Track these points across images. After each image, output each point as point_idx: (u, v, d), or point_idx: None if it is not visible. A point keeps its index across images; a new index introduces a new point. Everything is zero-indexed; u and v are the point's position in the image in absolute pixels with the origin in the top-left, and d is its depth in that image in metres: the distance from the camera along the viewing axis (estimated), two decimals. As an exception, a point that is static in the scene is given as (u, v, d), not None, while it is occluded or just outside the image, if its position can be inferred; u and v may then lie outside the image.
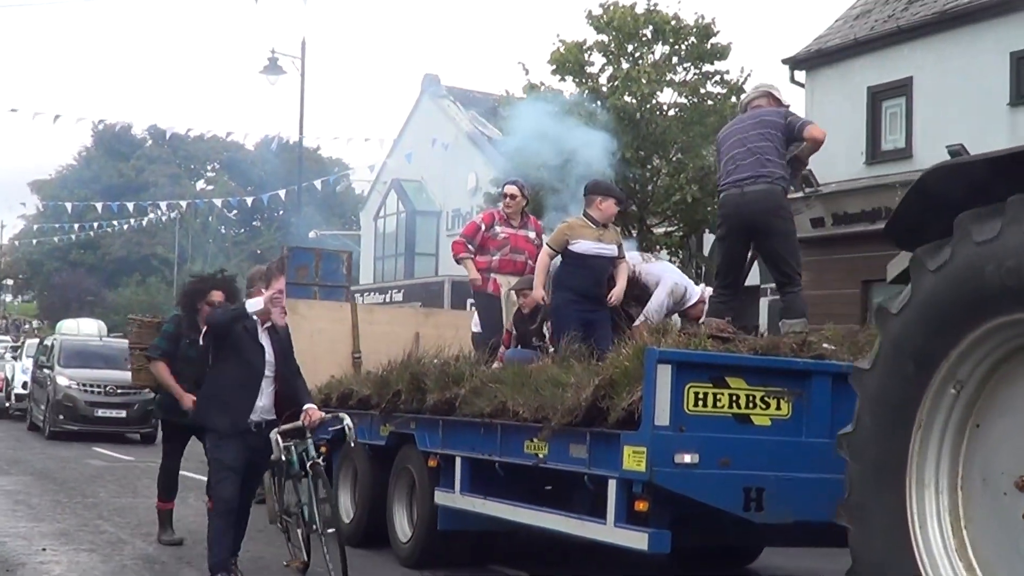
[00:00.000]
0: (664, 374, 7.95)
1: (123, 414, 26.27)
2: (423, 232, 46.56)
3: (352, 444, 10.65)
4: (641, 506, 8.09)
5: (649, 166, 26.45)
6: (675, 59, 26.60)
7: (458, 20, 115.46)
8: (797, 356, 8.58)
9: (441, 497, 10.57)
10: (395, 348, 13.40)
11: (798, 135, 10.06)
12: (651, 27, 26.30)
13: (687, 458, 7.99)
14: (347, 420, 10.35)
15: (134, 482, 18.23)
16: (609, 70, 26.63)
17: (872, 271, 19.48)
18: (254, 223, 72.25)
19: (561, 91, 26.27)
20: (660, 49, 26.60)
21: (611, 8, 26.46)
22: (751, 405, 8.25)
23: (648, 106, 25.96)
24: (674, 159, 26.14)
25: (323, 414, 10.07)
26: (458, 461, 10.31)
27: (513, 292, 12.06)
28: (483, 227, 12.38)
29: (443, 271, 42.07)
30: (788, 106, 10.44)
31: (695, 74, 26.67)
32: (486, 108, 42.92)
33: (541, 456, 9.21)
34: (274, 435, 9.59)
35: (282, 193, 39.38)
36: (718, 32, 26.63)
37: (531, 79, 27.44)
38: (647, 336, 8.51)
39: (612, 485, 8.30)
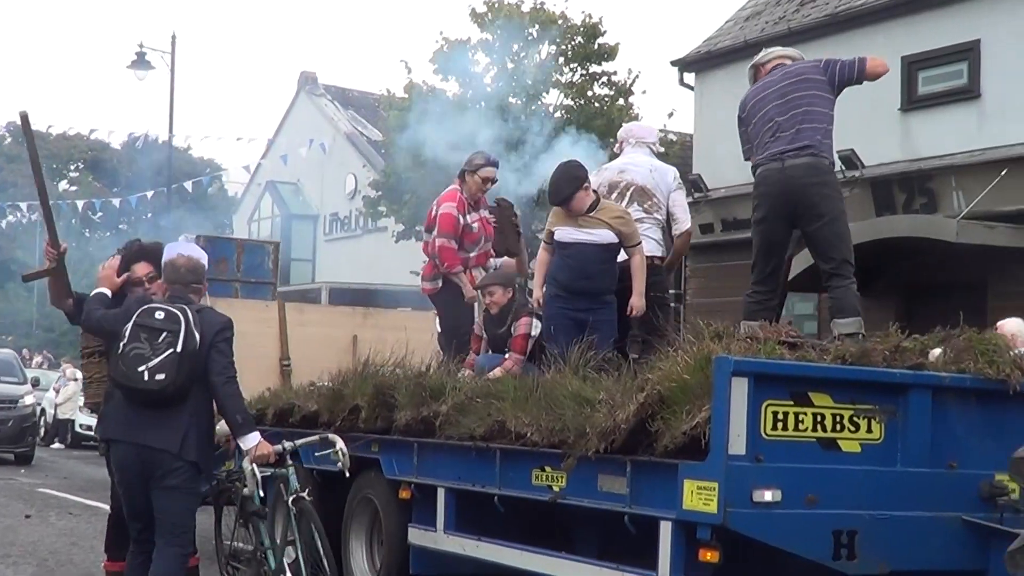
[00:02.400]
0: (740, 390, 6.10)
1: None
2: (299, 236, 44.20)
3: (347, 475, 8.56)
4: (709, 556, 6.20)
5: None
6: (561, 60, 26.03)
7: (337, 16, 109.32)
8: (890, 366, 6.76)
9: (417, 536, 8.61)
10: (330, 354, 11.67)
11: (855, 79, 8.38)
12: (537, 26, 25.53)
13: (767, 495, 6.15)
14: (340, 443, 8.27)
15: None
16: (493, 70, 25.64)
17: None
18: (120, 226, 69.13)
19: (444, 90, 25.88)
20: (546, 49, 25.96)
21: (495, 6, 25.79)
22: (838, 427, 6.42)
23: (533, 108, 25.02)
24: None
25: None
26: (441, 493, 8.34)
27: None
28: (460, 219, 10.45)
29: (320, 277, 39.83)
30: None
31: (582, 75, 26.21)
32: (366, 108, 42.04)
33: (557, 490, 7.31)
34: (249, 464, 7.60)
35: (150, 194, 37.40)
36: (605, 32, 26.14)
37: (413, 78, 26.88)
38: (710, 342, 6.61)
39: (666, 529, 6.41)
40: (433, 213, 10.59)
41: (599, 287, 8.98)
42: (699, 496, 6.16)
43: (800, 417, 6.32)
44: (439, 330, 11.09)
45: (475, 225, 10.49)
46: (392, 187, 27.18)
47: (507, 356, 9.34)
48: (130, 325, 7.17)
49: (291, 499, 7.97)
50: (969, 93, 19.49)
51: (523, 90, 24.85)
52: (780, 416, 6.26)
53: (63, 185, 69.62)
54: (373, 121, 39.89)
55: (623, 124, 9.69)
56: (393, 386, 8.92)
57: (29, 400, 24.05)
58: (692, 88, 24.94)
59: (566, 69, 26.13)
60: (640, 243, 9.13)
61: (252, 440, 7.46)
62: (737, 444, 6.07)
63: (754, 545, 6.28)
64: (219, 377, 7.27)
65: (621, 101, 26.21)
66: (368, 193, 29.80)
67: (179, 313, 7.20)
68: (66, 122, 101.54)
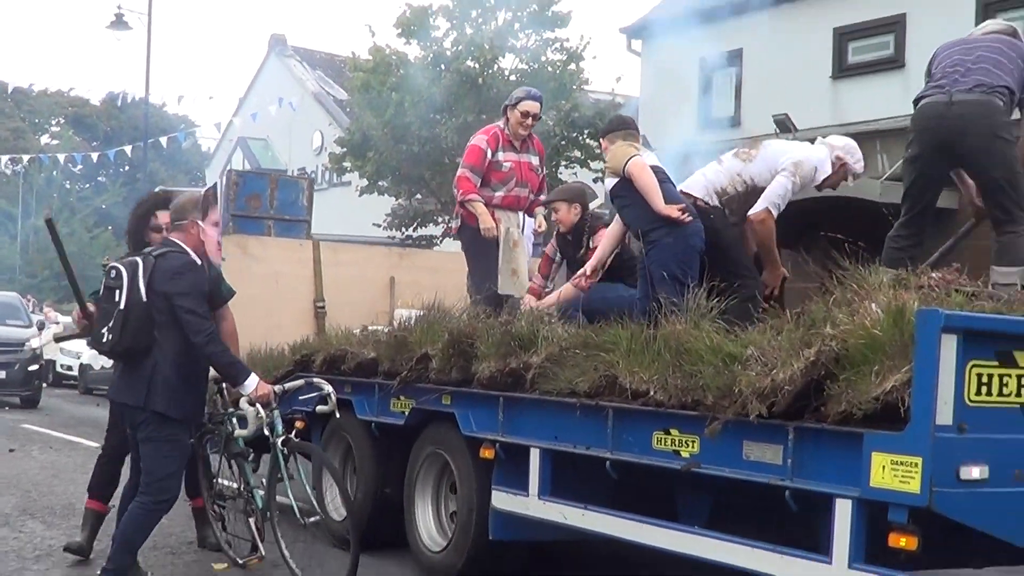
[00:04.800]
0: (948, 349, 4.99)
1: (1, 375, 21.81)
2: None
3: (337, 415, 8.19)
4: (904, 542, 5.10)
5: None
6: (517, 26, 26.85)
7: None
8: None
9: (503, 501, 7.48)
10: (365, 296, 11.08)
11: None
12: None
13: (975, 472, 5.04)
14: (327, 387, 7.87)
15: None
16: (453, 35, 26.73)
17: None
18: (99, 179, 68.45)
19: (406, 54, 27.32)
20: (503, 16, 26.75)
21: None
22: (1039, 391, 5.34)
23: (490, 71, 26.12)
24: None
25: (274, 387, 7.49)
26: (535, 455, 7.19)
27: (513, 230, 9.29)
28: (489, 153, 9.29)
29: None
30: None
31: (536, 41, 27.06)
32: (332, 69, 43.65)
33: (687, 456, 6.19)
34: (248, 405, 7.33)
35: (128, 149, 37.13)
36: (559, 1, 26.90)
37: (377, 41, 27.78)
38: (900, 291, 5.48)
39: (844, 508, 5.30)
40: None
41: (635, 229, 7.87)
42: (894, 472, 5.06)
43: (1005, 380, 5.21)
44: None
45: (507, 164, 9.34)
46: (356, 144, 27.89)
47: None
48: (102, 288, 7.16)
49: (280, 440, 7.48)
50: (895, 63, 20.36)
51: (481, 54, 25.66)
52: (984, 379, 5.15)
53: (45, 139, 70.37)
54: (339, 81, 40.52)
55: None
56: (472, 334, 7.76)
57: (35, 343, 22.69)
58: (639, 54, 25.81)
59: (521, 35, 26.99)
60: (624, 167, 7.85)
61: (251, 384, 7.20)
62: (944, 413, 4.97)
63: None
64: (198, 338, 6.92)
65: (572, 66, 27.04)
66: (334, 149, 30.28)
67: (124, 268, 7.00)
68: (48, 80, 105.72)
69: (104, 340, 7.02)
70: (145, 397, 6.95)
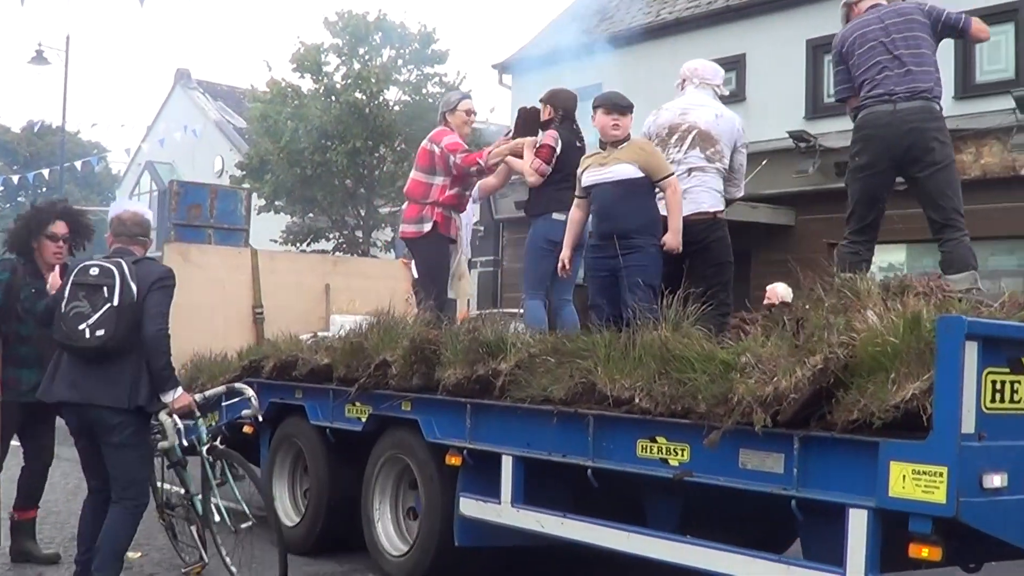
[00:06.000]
0: (971, 356, 4.78)
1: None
2: None
3: (259, 419, 8.25)
4: (927, 552, 4.87)
5: (377, 154, 29.03)
6: (400, 62, 29.52)
7: (208, 20, 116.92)
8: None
9: (472, 508, 7.15)
10: (302, 302, 10.89)
11: (957, 33, 7.15)
12: (380, 33, 29.11)
13: (996, 480, 4.83)
14: (249, 391, 7.70)
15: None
16: (343, 70, 29.05)
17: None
18: (19, 199, 69.18)
19: (300, 87, 29.43)
20: (387, 53, 29.38)
21: (345, 15, 29.05)
22: (1044, 396, 5.15)
23: (377, 102, 28.36)
24: (399, 148, 28.80)
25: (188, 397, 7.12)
26: (507, 462, 6.85)
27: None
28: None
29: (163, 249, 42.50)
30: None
31: (418, 75, 29.66)
32: (232, 100, 46.03)
33: (676, 464, 5.91)
34: (167, 417, 7.04)
35: (46, 172, 38.26)
36: (438, 40, 29.71)
37: (274, 75, 30.35)
38: (909, 298, 5.25)
39: (859, 519, 5.04)
40: (429, 148, 9.03)
41: (623, 228, 7.63)
42: (916, 482, 4.82)
43: (1015, 387, 5.01)
44: (415, 275, 9.67)
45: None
46: (255, 168, 29.88)
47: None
48: (68, 285, 6.76)
49: (205, 449, 7.38)
50: (737, 97, 21.54)
51: (368, 86, 28.01)
52: (999, 386, 4.95)
53: None
54: (238, 111, 43.10)
55: (685, 62, 8.19)
56: (434, 340, 7.41)
57: None
58: (510, 88, 27.57)
59: (404, 70, 29.64)
60: (672, 175, 7.77)
61: (174, 394, 6.91)
62: (968, 421, 4.75)
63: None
64: (151, 326, 6.72)
65: None
66: (234, 172, 31.99)
67: (112, 267, 6.74)
68: None
69: (91, 336, 6.60)
70: (128, 397, 6.71)
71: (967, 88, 19.31)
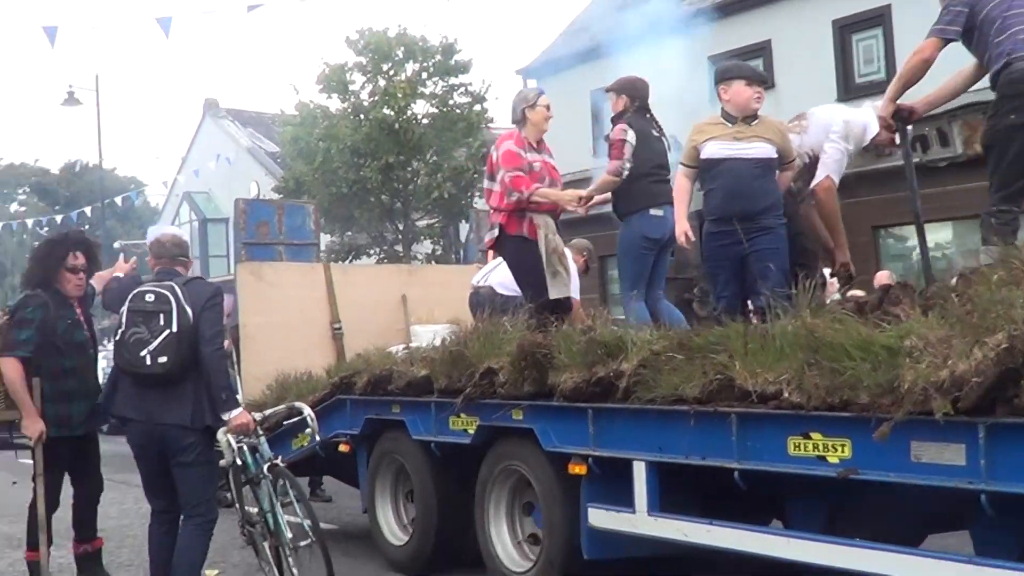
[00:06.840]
0: None
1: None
2: (215, 237, 46.40)
3: (318, 438, 8.08)
4: None
5: (409, 168, 28.45)
6: (424, 75, 28.79)
7: (234, 48, 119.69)
8: None
9: (604, 519, 6.69)
10: (380, 315, 10.58)
11: None
12: (402, 48, 28.51)
13: None
14: (307, 410, 7.61)
15: None
16: (369, 87, 28.51)
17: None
18: None
19: (328, 107, 28.96)
20: (411, 67, 28.69)
21: (367, 33, 28.51)
22: None
23: (404, 117, 27.83)
24: (431, 161, 28.29)
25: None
26: (639, 468, 6.39)
27: (552, 237, 8.34)
28: (523, 155, 8.45)
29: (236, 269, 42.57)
30: None
31: (443, 87, 28.93)
32: (262, 125, 45.48)
33: (835, 461, 5.47)
34: (223, 435, 6.97)
35: (88, 210, 39.23)
36: (460, 50, 28.99)
37: (301, 98, 29.63)
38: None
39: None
40: (494, 157, 8.54)
41: (756, 208, 7.24)
42: None
43: None
44: (501, 290, 9.34)
45: (536, 164, 8.47)
46: (291, 190, 29.20)
47: None
48: (125, 311, 6.85)
49: (266, 467, 7.23)
50: (765, 85, 20.25)
51: (395, 102, 27.49)
52: None
53: (14, 207, 74.85)
54: (268, 136, 42.87)
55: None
56: (545, 344, 6.98)
57: None
58: None
59: (429, 83, 28.87)
60: (795, 159, 7.38)
61: (233, 413, 6.89)
62: None
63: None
64: (207, 347, 6.77)
65: (478, 107, 28.76)
66: (271, 196, 31.12)
67: (167, 293, 6.81)
68: (12, 155, 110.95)
69: (153, 362, 6.71)
70: (192, 416, 6.81)
71: (848, 89, 20.40)
